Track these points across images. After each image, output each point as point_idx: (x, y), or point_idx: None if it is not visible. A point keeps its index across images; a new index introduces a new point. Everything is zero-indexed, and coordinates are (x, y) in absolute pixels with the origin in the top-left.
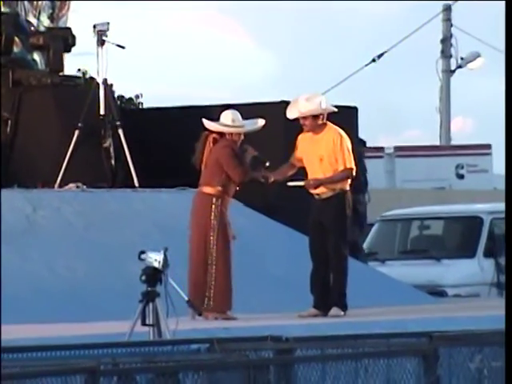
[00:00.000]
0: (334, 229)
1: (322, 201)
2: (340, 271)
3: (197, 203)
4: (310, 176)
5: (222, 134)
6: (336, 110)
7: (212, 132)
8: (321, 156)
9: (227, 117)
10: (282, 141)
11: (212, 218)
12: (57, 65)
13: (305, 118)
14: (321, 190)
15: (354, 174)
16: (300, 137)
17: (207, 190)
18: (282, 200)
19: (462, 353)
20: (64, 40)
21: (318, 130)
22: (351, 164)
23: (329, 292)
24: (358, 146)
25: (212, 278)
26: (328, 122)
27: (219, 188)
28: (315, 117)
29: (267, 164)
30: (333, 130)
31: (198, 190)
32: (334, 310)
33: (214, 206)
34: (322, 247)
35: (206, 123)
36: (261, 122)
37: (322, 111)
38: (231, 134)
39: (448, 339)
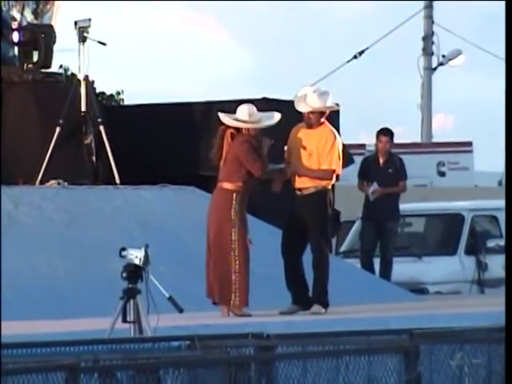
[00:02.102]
0: (315, 226)
1: (303, 197)
2: (321, 268)
3: (216, 199)
4: (294, 168)
5: (239, 129)
6: (338, 107)
7: (229, 127)
8: (310, 151)
9: (244, 111)
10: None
11: (232, 214)
12: (47, 62)
13: (313, 112)
14: (303, 185)
15: (335, 177)
16: (294, 129)
17: (227, 185)
18: (262, 197)
19: (443, 350)
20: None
21: (316, 126)
22: (336, 166)
23: (306, 287)
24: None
25: (236, 274)
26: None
27: (240, 184)
28: (321, 113)
29: (285, 148)
30: (329, 129)
31: (217, 186)
32: (316, 308)
33: (234, 202)
34: (298, 243)
35: (223, 118)
36: (277, 115)
37: (329, 109)
38: (248, 128)
39: (429, 336)
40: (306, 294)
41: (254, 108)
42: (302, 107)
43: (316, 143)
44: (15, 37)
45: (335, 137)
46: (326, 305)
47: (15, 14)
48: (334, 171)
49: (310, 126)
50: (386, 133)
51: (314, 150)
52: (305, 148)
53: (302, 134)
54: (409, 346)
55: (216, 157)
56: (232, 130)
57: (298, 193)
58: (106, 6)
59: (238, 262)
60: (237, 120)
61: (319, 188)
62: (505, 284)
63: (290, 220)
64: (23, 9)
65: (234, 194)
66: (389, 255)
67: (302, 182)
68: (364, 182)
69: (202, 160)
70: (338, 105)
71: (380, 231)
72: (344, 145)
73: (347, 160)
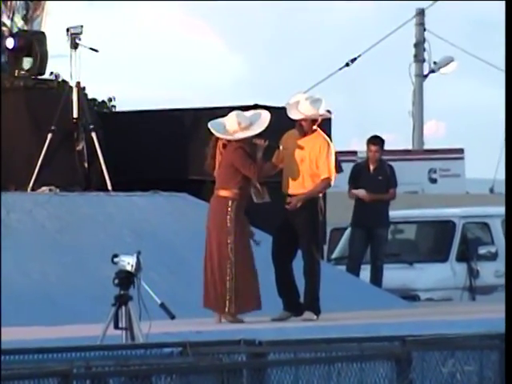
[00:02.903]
0: (307, 232)
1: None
2: (313, 275)
3: (213, 207)
4: (286, 175)
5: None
6: (330, 115)
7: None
8: (303, 157)
9: (233, 121)
10: None
11: (228, 221)
12: (42, 69)
13: (305, 120)
14: (296, 192)
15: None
16: (285, 135)
17: (223, 193)
18: (252, 203)
19: (435, 357)
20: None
21: (309, 133)
22: (332, 173)
23: (297, 293)
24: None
25: (232, 281)
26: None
27: (236, 191)
28: (314, 120)
29: (280, 147)
30: (322, 137)
31: (214, 193)
32: (307, 314)
33: (230, 210)
34: (289, 250)
35: (213, 130)
36: (265, 114)
37: (322, 116)
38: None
39: (421, 343)
40: (297, 300)
41: (243, 114)
42: (294, 114)
43: (309, 150)
44: (10, 43)
45: (329, 144)
46: (317, 311)
47: (5, 19)
48: (331, 179)
49: (302, 133)
50: (375, 141)
51: (306, 157)
52: (297, 155)
53: (294, 140)
54: (401, 352)
55: (210, 167)
56: (223, 140)
57: (290, 199)
58: (98, 12)
59: (234, 270)
60: (226, 131)
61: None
62: (505, 287)
63: (280, 226)
64: (13, 14)
65: (230, 202)
66: (379, 262)
67: (294, 189)
68: (353, 188)
69: (193, 165)
70: (329, 112)
71: (370, 238)
72: (335, 154)
73: (337, 168)
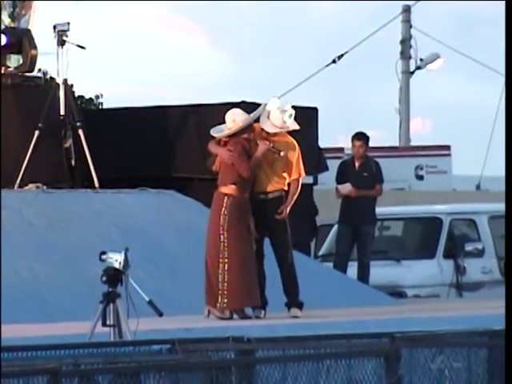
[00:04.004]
0: (281, 229)
1: (267, 201)
2: (289, 270)
3: (212, 203)
4: (258, 174)
5: (231, 136)
6: (298, 127)
7: None
8: (274, 158)
9: (228, 119)
10: None
11: (221, 216)
12: (32, 66)
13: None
14: (270, 189)
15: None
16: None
17: (222, 189)
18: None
19: (424, 353)
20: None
21: (279, 137)
22: (302, 175)
23: (263, 288)
24: (317, 146)
25: (224, 276)
26: None
27: (233, 186)
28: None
29: (282, 154)
30: (291, 139)
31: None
32: (294, 311)
33: (224, 205)
34: (259, 246)
35: (212, 133)
36: (261, 107)
37: (293, 126)
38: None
39: (409, 340)
40: (263, 294)
41: (238, 111)
42: (268, 127)
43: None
44: (2, 40)
45: (296, 145)
46: (301, 306)
47: None
48: (299, 180)
49: (273, 136)
50: (360, 137)
51: (277, 157)
52: (269, 155)
53: (264, 139)
54: (389, 349)
55: (211, 163)
56: (224, 138)
57: (262, 196)
58: (85, 9)
59: (227, 265)
60: (223, 129)
61: (282, 192)
62: (505, 284)
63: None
64: (0, 12)
65: (226, 198)
66: (366, 259)
67: (269, 186)
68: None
69: (179, 162)
70: (299, 124)
71: (356, 235)
72: (321, 151)
73: (322, 167)
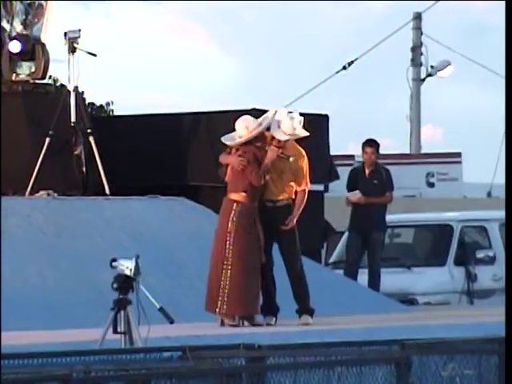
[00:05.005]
0: (290, 236)
1: (276, 208)
2: (298, 278)
3: (221, 208)
4: (268, 185)
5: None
6: (308, 134)
7: None
8: (284, 168)
9: (240, 126)
10: None
11: (229, 223)
12: (44, 74)
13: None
14: (279, 197)
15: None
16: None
17: (232, 196)
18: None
19: (435, 361)
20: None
21: (286, 143)
22: (308, 185)
23: (274, 296)
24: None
25: (226, 282)
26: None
27: (243, 194)
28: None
29: (291, 159)
30: (299, 149)
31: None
32: (305, 318)
33: (232, 212)
34: (268, 254)
35: (224, 140)
36: (271, 113)
37: (303, 133)
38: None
39: (420, 347)
40: (274, 301)
41: (249, 118)
42: (280, 135)
43: (291, 164)
44: (16, 47)
45: (305, 156)
46: (311, 313)
47: (4, 24)
48: (306, 191)
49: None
50: (370, 144)
51: (287, 167)
52: (278, 164)
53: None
54: (400, 356)
55: (222, 174)
56: (236, 147)
57: (270, 204)
58: (95, 17)
59: (230, 271)
60: (235, 137)
61: (290, 201)
62: (505, 284)
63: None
64: (12, 19)
65: (234, 204)
66: (376, 266)
67: (278, 194)
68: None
69: (191, 170)
70: (310, 131)
71: (366, 242)
72: (331, 159)
73: (333, 175)
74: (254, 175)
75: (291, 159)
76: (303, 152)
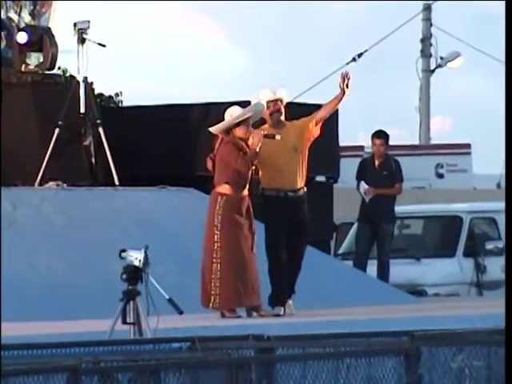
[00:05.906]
0: (307, 224)
1: (298, 198)
2: (300, 268)
3: (208, 202)
4: (285, 170)
5: (226, 133)
6: (289, 99)
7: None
8: (295, 146)
9: (226, 116)
10: None
11: (215, 216)
12: (53, 64)
13: (282, 102)
14: (299, 186)
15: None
16: (260, 135)
17: (217, 189)
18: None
19: (444, 352)
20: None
21: (281, 124)
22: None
23: (285, 288)
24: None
25: (217, 275)
26: None
27: (226, 186)
28: (285, 107)
29: (277, 137)
30: (295, 121)
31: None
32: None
33: (217, 205)
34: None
35: (210, 129)
36: (255, 101)
37: (283, 95)
38: (231, 130)
39: (430, 338)
40: (285, 294)
41: (236, 108)
42: (277, 93)
43: (297, 137)
44: (22, 37)
45: (299, 120)
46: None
47: (12, 15)
48: None
49: (273, 127)
50: (380, 135)
51: (298, 145)
52: (290, 145)
53: (276, 132)
54: (409, 347)
55: (208, 164)
56: (221, 136)
57: (291, 194)
58: (104, 7)
59: (220, 265)
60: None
61: (305, 189)
62: (505, 285)
63: (280, 221)
64: (20, 10)
65: (219, 197)
66: (385, 257)
67: (299, 183)
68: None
69: (200, 161)
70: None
71: (376, 233)
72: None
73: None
74: (240, 162)
75: (277, 137)
76: (295, 121)
